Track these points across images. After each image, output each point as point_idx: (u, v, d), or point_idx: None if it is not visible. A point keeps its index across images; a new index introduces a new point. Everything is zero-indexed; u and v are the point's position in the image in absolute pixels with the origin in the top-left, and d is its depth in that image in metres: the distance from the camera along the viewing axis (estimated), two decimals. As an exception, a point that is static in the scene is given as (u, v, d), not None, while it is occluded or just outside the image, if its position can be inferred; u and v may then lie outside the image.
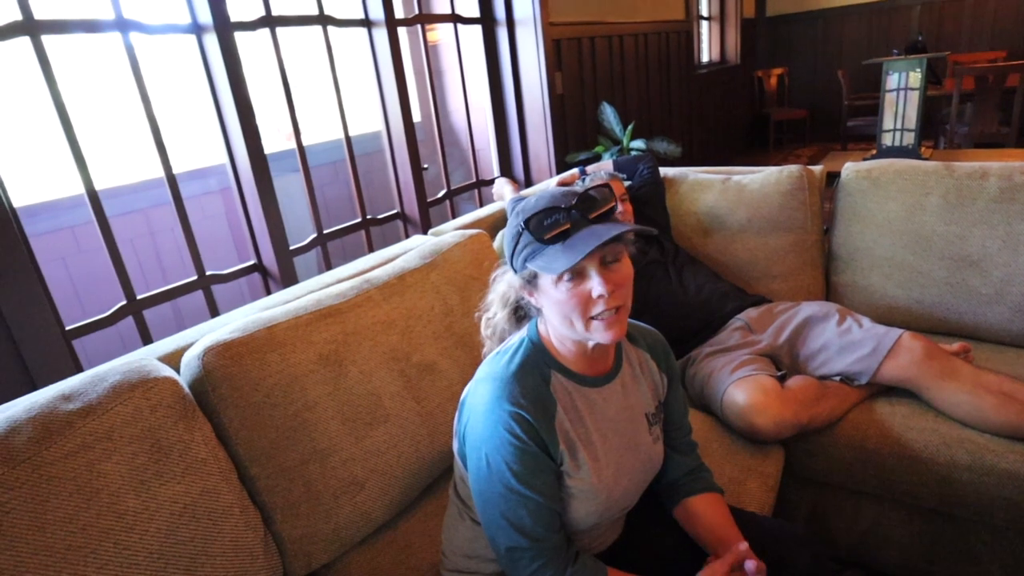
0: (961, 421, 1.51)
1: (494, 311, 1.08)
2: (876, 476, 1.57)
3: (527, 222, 0.91)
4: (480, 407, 0.96)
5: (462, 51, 3.44)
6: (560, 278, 0.90)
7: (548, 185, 2.39)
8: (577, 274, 0.90)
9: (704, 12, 6.50)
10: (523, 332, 1.04)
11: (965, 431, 1.50)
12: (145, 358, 1.14)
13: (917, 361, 1.57)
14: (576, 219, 0.90)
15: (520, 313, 1.07)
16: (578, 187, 2.18)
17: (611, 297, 0.89)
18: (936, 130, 5.77)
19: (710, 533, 1.11)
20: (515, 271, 0.97)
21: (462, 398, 1.04)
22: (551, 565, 0.95)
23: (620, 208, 2.09)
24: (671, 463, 1.17)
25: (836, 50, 7.26)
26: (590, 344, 0.97)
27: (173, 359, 1.24)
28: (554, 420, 0.96)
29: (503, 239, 1.62)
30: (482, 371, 1.02)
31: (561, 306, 0.91)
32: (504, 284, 1.05)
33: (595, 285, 0.88)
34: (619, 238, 0.89)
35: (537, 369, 0.98)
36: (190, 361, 1.16)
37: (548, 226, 0.90)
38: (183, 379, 1.15)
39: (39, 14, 1.74)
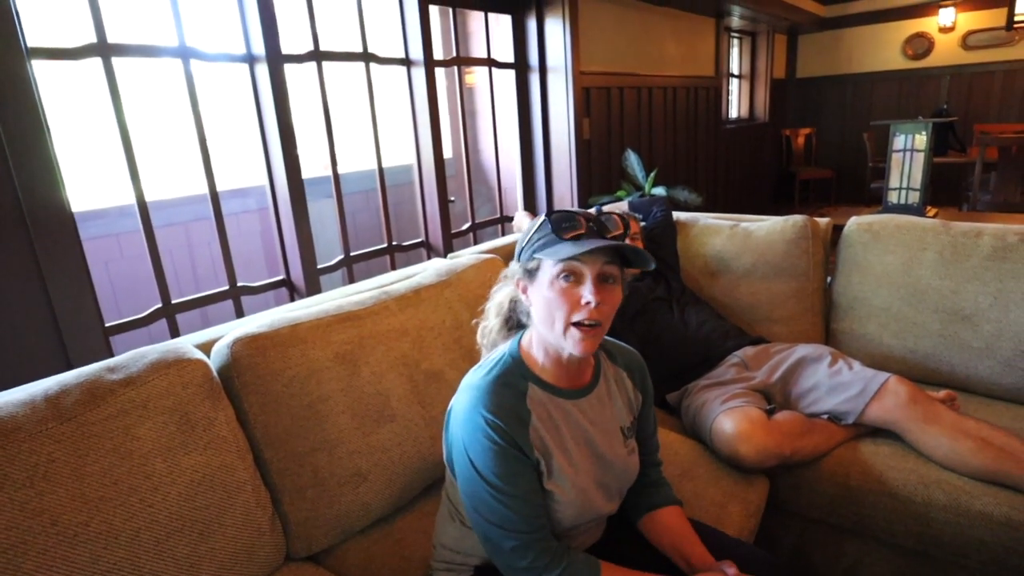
0: (941, 464, 1.58)
1: (489, 320, 1.17)
2: (857, 512, 1.63)
3: (549, 215, 1.02)
4: (461, 414, 1.04)
5: (495, 93, 3.64)
6: (558, 275, 0.98)
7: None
8: (575, 278, 0.98)
9: (734, 70, 6.67)
10: (505, 347, 1.12)
11: (944, 473, 1.56)
12: (182, 342, 1.26)
13: (902, 404, 1.64)
14: (591, 229, 1.01)
15: (511, 323, 1.16)
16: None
17: (596, 309, 0.97)
18: (960, 196, 5.84)
19: (674, 548, 1.17)
20: (519, 260, 1.06)
21: (448, 409, 1.11)
22: (545, 555, 1.00)
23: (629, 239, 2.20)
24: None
25: (864, 113, 7.38)
26: (564, 354, 1.04)
27: (204, 349, 1.35)
28: (528, 429, 1.03)
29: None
30: (464, 382, 1.10)
31: (549, 304, 0.99)
32: (501, 295, 1.15)
33: (587, 292, 0.97)
34: (623, 255, 0.99)
35: (514, 381, 1.05)
36: (220, 349, 1.28)
37: (566, 226, 1.00)
38: (213, 364, 1.27)
39: (111, 38, 1.93)
